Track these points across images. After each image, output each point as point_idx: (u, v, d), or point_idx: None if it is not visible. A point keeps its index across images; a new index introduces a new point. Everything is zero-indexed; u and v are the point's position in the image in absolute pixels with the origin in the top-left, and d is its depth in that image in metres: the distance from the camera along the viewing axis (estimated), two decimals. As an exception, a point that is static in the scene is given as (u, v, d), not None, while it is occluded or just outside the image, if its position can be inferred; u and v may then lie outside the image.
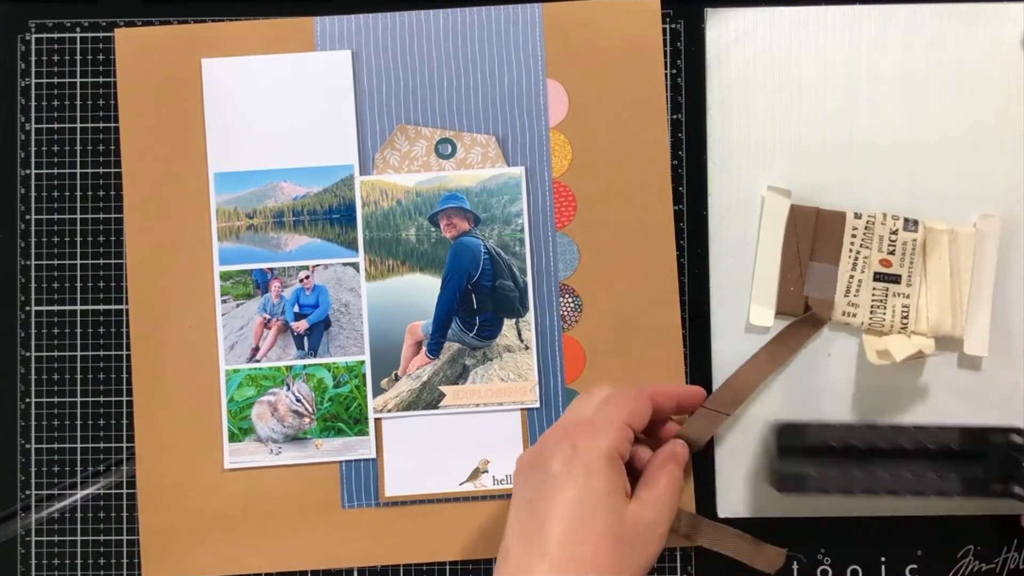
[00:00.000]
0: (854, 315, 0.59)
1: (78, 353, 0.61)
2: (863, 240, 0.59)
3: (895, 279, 0.59)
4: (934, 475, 0.55)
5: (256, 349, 0.60)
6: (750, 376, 0.58)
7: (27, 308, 0.61)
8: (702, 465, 0.60)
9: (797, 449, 0.56)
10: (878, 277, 0.59)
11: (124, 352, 0.61)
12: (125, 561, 0.60)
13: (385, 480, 0.59)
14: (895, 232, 0.58)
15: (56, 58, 0.61)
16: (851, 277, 0.59)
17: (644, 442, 0.56)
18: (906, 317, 0.58)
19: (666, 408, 0.54)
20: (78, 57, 0.61)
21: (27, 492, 0.60)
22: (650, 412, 0.52)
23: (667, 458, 0.52)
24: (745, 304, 0.60)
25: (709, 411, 0.56)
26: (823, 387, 0.59)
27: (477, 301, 0.60)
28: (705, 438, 0.56)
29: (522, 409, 0.60)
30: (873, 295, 0.59)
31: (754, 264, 0.60)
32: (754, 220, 0.60)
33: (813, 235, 0.59)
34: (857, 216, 0.59)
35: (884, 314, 0.59)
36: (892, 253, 0.59)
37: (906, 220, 0.58)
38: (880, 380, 0.59)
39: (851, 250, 0.59)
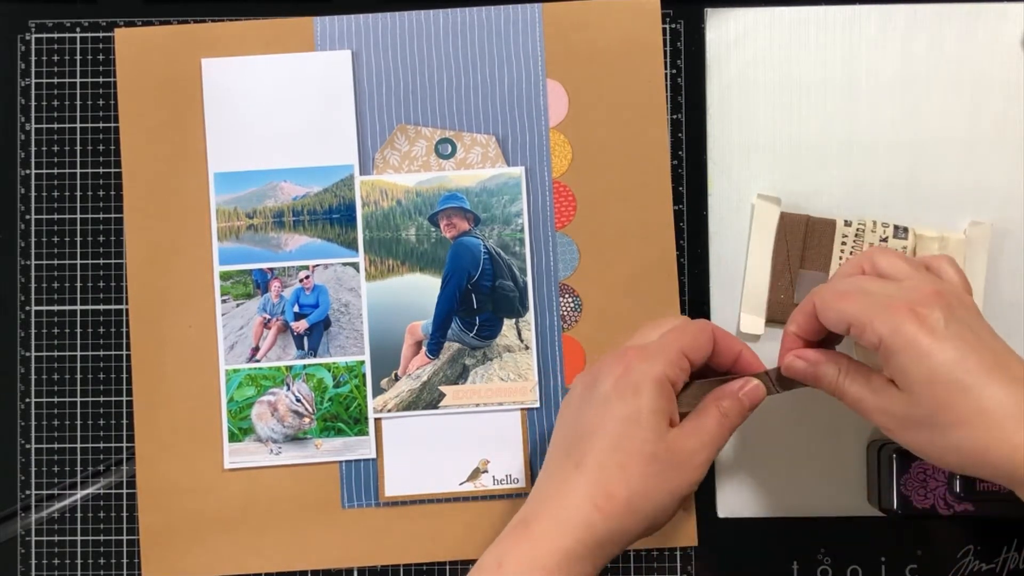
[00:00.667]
0: None
1: (78, 353, 0.61)
2: (853, 247, 0.59)
3: None
4: None
5: (256, 349, 0.60)
6: None
7: (27, 308, 0.61)
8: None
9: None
10: None
11: (124, 352, 0.61)
12: (125, 561, 0.60)
13: (385, 480, 0.59)
14: (885, 239, 0.58)
15: (56, 58, 0.61)
16: None
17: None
18: None
19: (726, 355, 0.52)
20: (78, 57, 0.61)
21: (27, 492, 0.60)
22: (710, 347, 0.50)
23: (727, 393, 0.50)
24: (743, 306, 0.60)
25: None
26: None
27: (477, 301, 0.60)
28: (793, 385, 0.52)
29: (522, 409, 0.60)
30: None
31: (744, 272, 0.60)
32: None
33: (803, 243, 0.59)
34: (847, 224, 0.59)
35: None
36: None
37: (896, 227, 0.58)
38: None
39: (841, 258, 0.59)
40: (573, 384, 0.52)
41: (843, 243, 0.59)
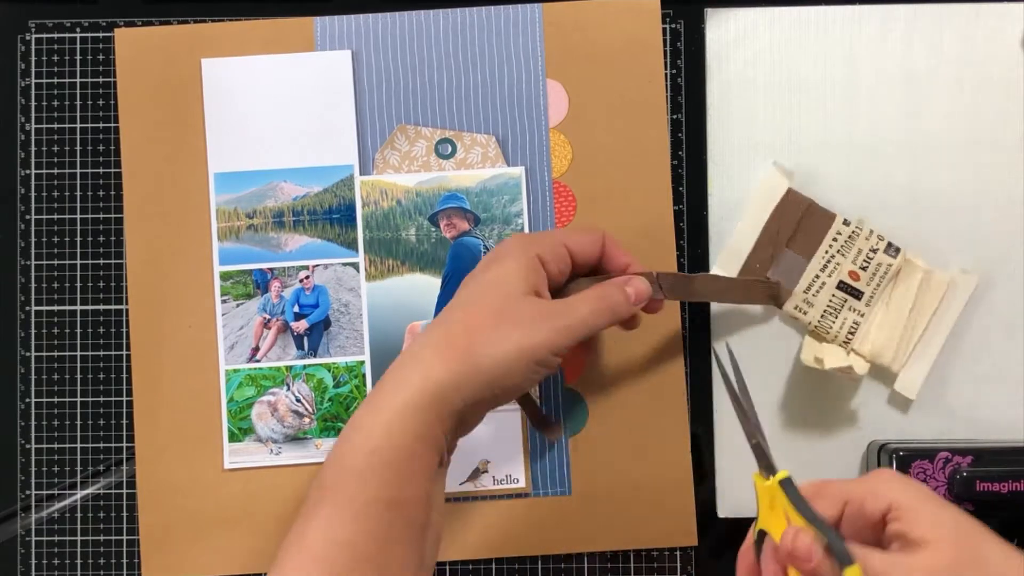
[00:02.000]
0: (805, 312, 0.59)
1: (78, 353, 0.61)
2: (842, 247, 0.59)
3: (857, 294, 0.58)
4: None
5: (256, 349, 0.60)
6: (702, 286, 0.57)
7: (27, 308, 0.61)
8: (703, 463, 0.60)
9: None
10: (842, 286, 0.58)
11: (124, 352, 0.61)
12: (125, 561, 0.60)
13: (385, 480, 0.59)
14: (875, 250, 0.58)
15: (56, 58, 0.61)
16: (817, 277, 0.59)
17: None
18: (852, 333, 0.58)
19: (614, 263, 0.54)
20: (78, 57, 0.61)
21: (27, 492, 0.60)
22: (596, 249, 0.53)
23: (610, 282, 0.52)
24: (745, 305, 0.60)
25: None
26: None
27: (477, 301, 0.60)
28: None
29: (522, 409, 0.60)
30: (830, 301, 0.59)
31: (734, 230, 0.60)
32: (754, 220, 0.60)
33: (797, 224, 0.59)
34: (846, 223, 0.59)
35: (833, 322, 0.58)
36: (864, 269, 0.58)
37: (890, 244, 0.58)
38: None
39: (827, 252, 0.59)
40: None
41: (834, 240, 0.59)
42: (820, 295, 0.59)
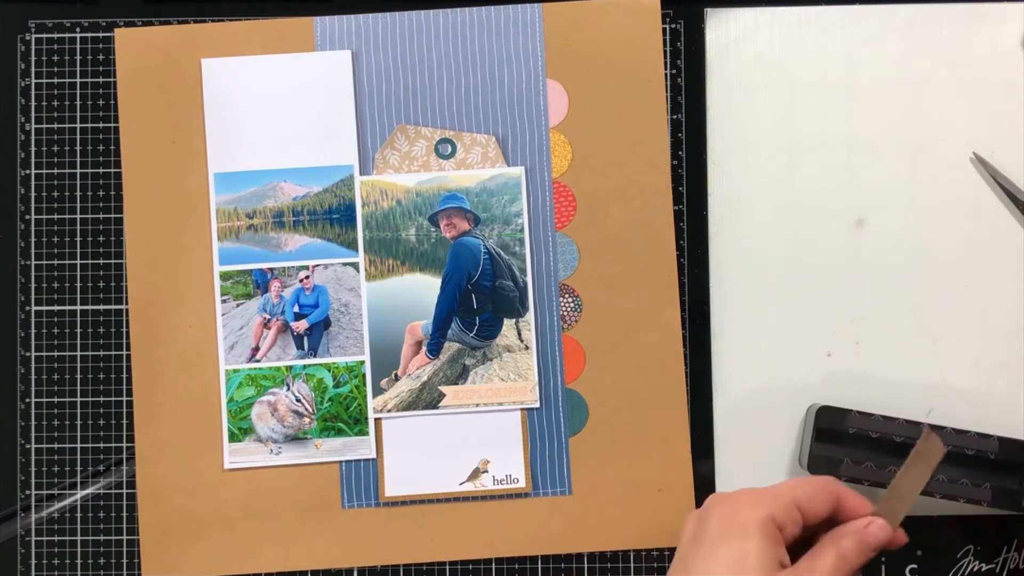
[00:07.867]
0: None
1: (78, 353, 0.61)
2: None
3: None
4: (967, 483, 0.55)
5: (256, 349, 0.60)
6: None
7: (27, 308, 0.61)
8: (703, 463, 0.60)
9: (834, 434, 0.56)
10: None
11: (124, 352, 0.61)
12: (125, 561, 0.60)
13: (385, 480, 0.59)
14: None
15: (56, 58, 0.61)
16: None
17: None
18: None
19: (852, 517, 0.48)
20: (78, 57, 0.61)
21: (27, 492, 0.60)
22: (829, 506, 0.48)
23: (847, 532, 0.47)
24: (746, 305, 0.60)
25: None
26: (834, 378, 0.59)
27: (477, 301, 0.60)
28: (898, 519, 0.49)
29: (522, 409, 0.60)
30: None
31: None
32: (754, 220, 0.60)
33: None
34: None
35: None
36: None
37: None
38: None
39: None
40: (686, 521, 0.50)
41: None
42: None
